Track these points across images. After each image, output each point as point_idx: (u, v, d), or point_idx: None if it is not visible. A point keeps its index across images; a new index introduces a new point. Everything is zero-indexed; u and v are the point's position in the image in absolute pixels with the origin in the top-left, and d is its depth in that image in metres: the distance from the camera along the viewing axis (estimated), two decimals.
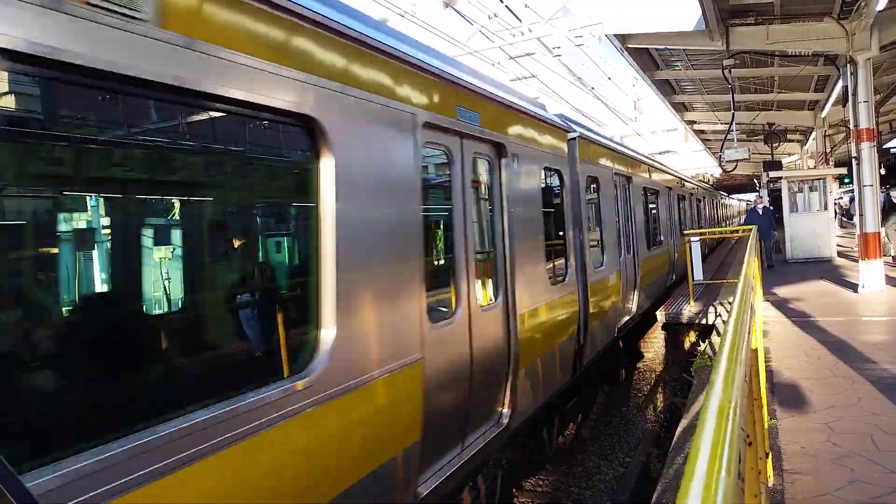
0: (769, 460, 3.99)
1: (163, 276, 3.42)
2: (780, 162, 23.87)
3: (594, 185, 8.49)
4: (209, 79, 2.51)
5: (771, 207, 18.74)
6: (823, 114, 18.88)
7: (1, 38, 1.83)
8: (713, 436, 1.09)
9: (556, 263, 6.74)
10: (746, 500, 2.02)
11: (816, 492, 3.85)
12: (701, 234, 14.21)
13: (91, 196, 3.07)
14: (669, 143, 37.19)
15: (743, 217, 57.37)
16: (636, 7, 12.82)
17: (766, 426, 4.30)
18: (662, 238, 13.96)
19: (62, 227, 3.02)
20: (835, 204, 21.01)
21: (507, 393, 5.15)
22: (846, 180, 19.73)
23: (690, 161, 37.36)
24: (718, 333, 9.55)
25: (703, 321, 10.91)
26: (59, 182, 2.88)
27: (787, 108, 20.66)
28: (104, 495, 1.96)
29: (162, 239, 3.46)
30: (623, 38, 13.42)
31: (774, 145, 22.96)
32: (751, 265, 4.48)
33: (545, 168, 6.39)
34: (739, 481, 1.19)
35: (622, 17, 12.97)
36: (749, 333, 2.54)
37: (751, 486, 2.04)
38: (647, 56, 15.47)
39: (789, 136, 24.99)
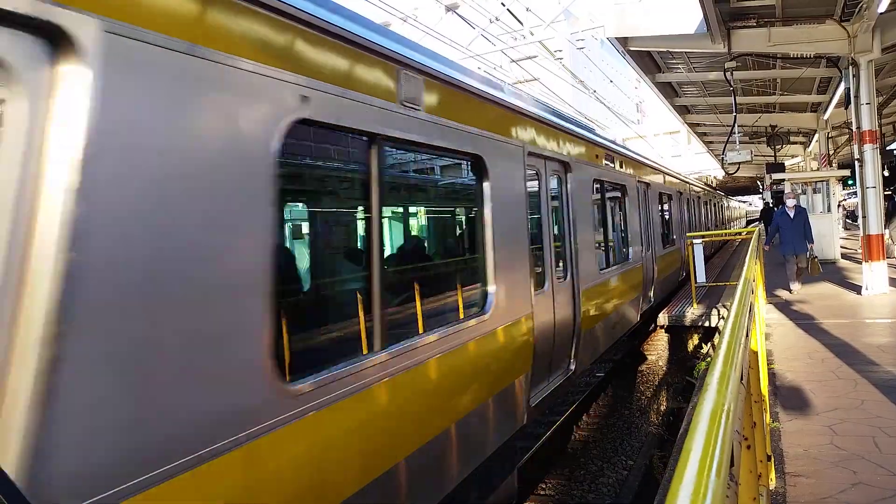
0: (771, 463, 3.98)
1: None
2: (783, 164, 23.87)
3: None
4: None
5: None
6: (826, 116, 18.83)
7: None
8: (705, 438, 1.09)
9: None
10: (744, 502, 2.02)
11: (818, 494, 3.84)
12: (703, 236, 14.18)
13: None
14: (672, 146, 37.20)
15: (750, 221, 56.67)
16: (637, 10, 12.85)
17: (767, 429, 4.28)
18: (641, 249, 10.89)
19: None
20: (838, 205, 20.94)
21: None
22: (849, 182, 19.68)
23: (693, 163, 37.37)
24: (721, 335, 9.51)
25: (706, 324, 10.89)
26: None
27: (790, 110, 20.61)
28: None
29: None
30: (624, 41, 13.44)
31: (777, 147, 22.93)
32: (751, 267, 4.47)
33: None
34: (732, 484, 1.19)
35: (623, 20, 12.99)
36: (748, 336, 2.54)
37: (748, 488, 2.03)
38: (648, 59, 15.47)
39: (792, 138, 24.92)
